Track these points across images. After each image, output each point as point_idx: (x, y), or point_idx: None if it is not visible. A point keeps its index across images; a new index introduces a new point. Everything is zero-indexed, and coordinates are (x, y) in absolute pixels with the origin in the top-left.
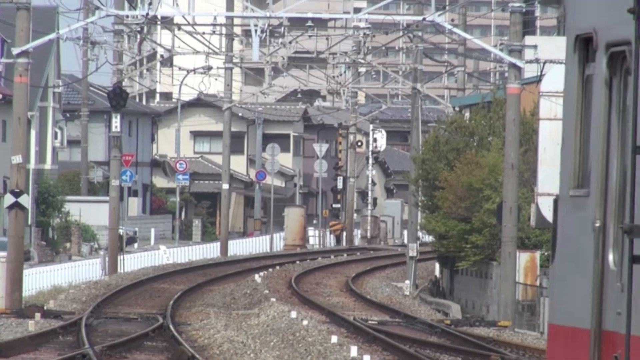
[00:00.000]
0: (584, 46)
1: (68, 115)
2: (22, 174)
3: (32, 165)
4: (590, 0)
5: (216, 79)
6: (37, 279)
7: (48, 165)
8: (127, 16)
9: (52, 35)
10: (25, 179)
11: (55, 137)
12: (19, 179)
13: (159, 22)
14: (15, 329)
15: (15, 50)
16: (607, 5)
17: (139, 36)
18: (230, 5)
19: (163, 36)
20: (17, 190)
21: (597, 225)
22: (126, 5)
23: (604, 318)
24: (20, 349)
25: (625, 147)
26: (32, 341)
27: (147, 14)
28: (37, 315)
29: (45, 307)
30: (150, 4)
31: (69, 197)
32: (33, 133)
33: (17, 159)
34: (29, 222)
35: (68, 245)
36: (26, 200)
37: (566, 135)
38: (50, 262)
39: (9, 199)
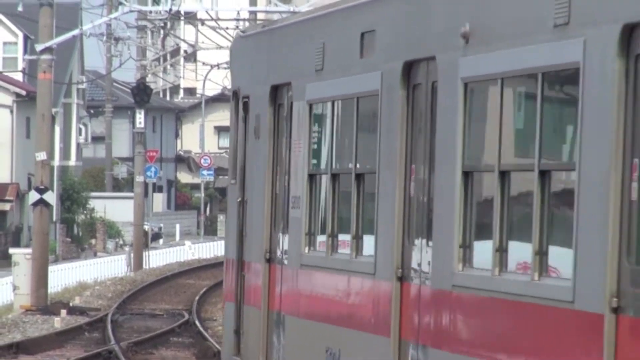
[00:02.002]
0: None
1: (92, 111)
2: (46, 171)
3: (56, 161)
4: (236, 72)
5: None
6: (63, 276)
7: (72, 161)
8: (151, 12)
9: (76, 32)
10: (49, 175)
11: (80, 134)
12: (44, 175)
13: (182, 18)
14: (41, 325)
15: (39, 47)
16: (243, 75)
17: (162, 32)
18: (253, 1)
19: (186, 31)
20: (42, 187)
21: (239, 200)
22: (149, 0)
23: (243, 252)
24: (47, 345)
25: (258, 161)
26: (58, 338)
27: (171, 9)
28: (63, 311)
29: (70, 304)
30: None
31: (93, 194)
32: (57, 129)
33: (42, 155)
34: (54, 219)
35: (93, 241)
36: (51, 197)
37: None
38: (75, 258)
39: (33, 196)
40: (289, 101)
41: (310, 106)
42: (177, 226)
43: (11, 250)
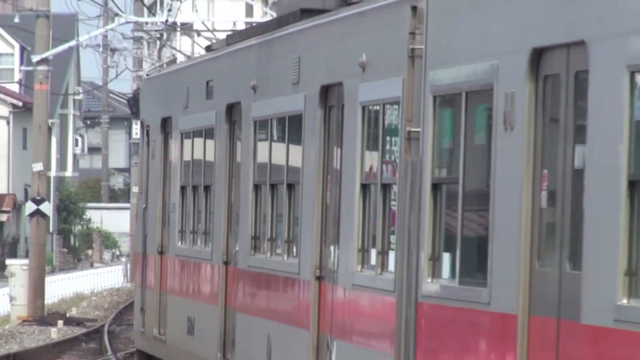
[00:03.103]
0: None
1: (88, 122)
2: (43, 182)
3: (53, 172)
4: (142, 107)
5: None
6: (59, 287)
7: (69, 172)
8: (147, 23)
9: (72, 43)
10: (46, 186)
11: (76, 144)
12: (40, 186)
13: (178, 29)
14: (38, 336)
15: (35, 58)
16: (147, 109)
17: (158, 42)
18: (249, 11)
19: (183, 42)
20: (39, 197)
21: (143, 207)
22: (145, 11)
23: (146, 247)
24: (43, 356)
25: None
26: (54, 348)
27: (167, 20)
28: (60, 322)
29: (67, 315)
30: (169, 10)
31: (90, 204)
32: (54, 140)
33: (38, 166)
34: (51, 230)
35: (90, 252)
36: (47, 208)
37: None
38: (72, 269)
39: (30, 207)
40: (171, 130)
41: (181, 134)
42: None
43: (8, 261)
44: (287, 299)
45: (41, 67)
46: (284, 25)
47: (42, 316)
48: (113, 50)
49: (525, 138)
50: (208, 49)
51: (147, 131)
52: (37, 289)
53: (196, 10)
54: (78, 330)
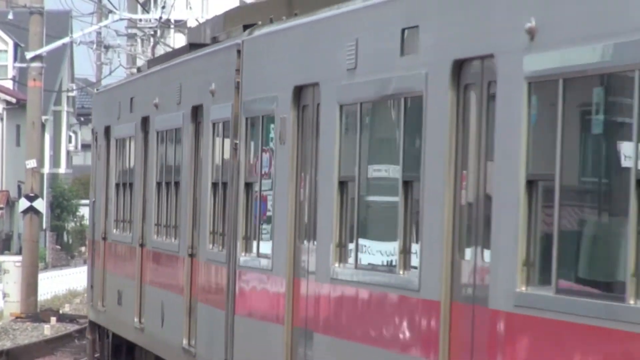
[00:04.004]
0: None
1: (82, 119)
2: (36, 178)
3: (46, 169)
4: (94, 116)
5: None
6: (53, 283)
7: (62, 169)
8: (141, 20)
9: (66, 39)
10: (39, 183)
11: (70, 141)
12: (34, 183)
13: (172, 26)
14: (31, 333)
15: (29, 55)
16: (97, 118)
17: (152, 39)
18: None
19: (176, 39)
20: (32, 194)
21: (93, 200)
22: (139, 8)
23: (94, 233)
24: (36, 353)
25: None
26: (47, 345)
27: (161, 17)
28: (53, 319)
29: (60, 311)
30: (163, 7)
31: (83, 201)
32: (47, 137)
33: (32, 163)
34: (44, 227)
35: (83, 249)
36: (41, 205)
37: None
38: (65, 266)
39: (23, 203)
40: (110, 137)
41: (116, 140)
42: None
43: (1, 258)
44: (172, 272)
45: (35, 64)
46: (177, 56)
47: (35, 313)
48: (107, 47)
49: (291, 151)
50: (138, 70)
51: (96, 137)
52: (30, 286)
53: (190, 7)
54: (71, 327)
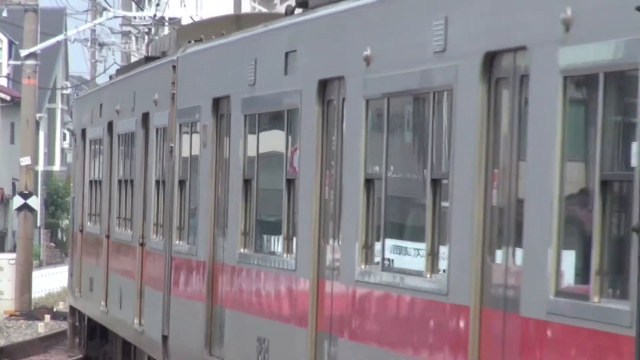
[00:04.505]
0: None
1: None
2: (30, 176)
3: (40, 166)
4: (73, 119)
5: None
6: (47, 281)
7: (57, 166)
8: (135, 17)
9: (60, 37)
10: (34, 180)
11: (64, 139)
12: (28, 180)
13: (166, 23)
14: (25, 330)
15: (23, 52)
16: (76, 121)
17: (146, 37)
18: (237, 5)
19: None
20: (26, 192)
21: (73, 196)
22: (134, 6)
23: (74, 225)
24: (30, 350)
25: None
26: (41, 343)
27: (155, 15)
28: (47, 317)
29: (54, 309)
30: (157, 5)
31: None
32: (41, 135)
33: (26, 160)
34: (38, 224)
35: None
36: (35, 202)
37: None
38: (59, 263)
39: (17, 201)
40: (86, 139)
41: (90, 141)
42: None
43: None
44: (128, 260)
45: (29, 62)
46: (136, 67)
47: (29, 310)
48: (101, 45)
49: (211, 153)
50: (110, 78)
51: (75, 138)
52: (24, 284)
53: (184, 5)
54: (65, 325)
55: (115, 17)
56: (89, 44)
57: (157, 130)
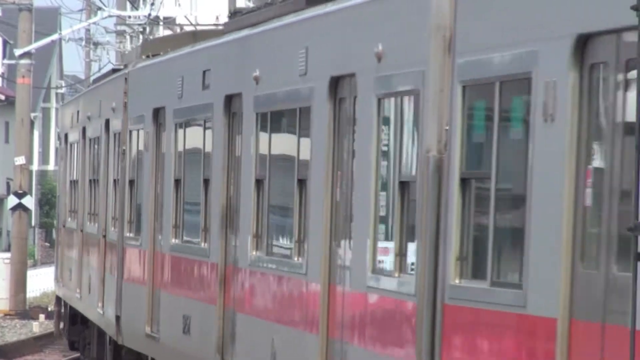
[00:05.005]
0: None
1: None
2: (25, 175)
3: (35, 166)
4: (59, 122)
5: None
6: (41, 280)
7: (51, 166)
8: (130, 17)
9: (55, 36)
10: (28, 180)
11: (58, 138)
12: (22, 180)
13: (161, 22)
14: (20, 330)
15: (18, 52)
16: (62, 125)
17: (141, 36)
18: (232, 5)
19: None
20: (21, 191)
21: (58, 195)
22: (128, 5)
23: (59, 221)
24: (25, 350)
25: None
26: (36, 342)
27: (150, 14)
28: (42, 316)
29: (49, 309)
30: (152, 4)
31: None
32: (36, 134)
33: (20, 160)
34: (33, 224)
35: None
36: (29, 202)
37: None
38: (54, 263)
39: (12, 200)
40: (68, 142)
41: (71, 145)
42: None
43: None
44: (94, 250)
45: (24, 61)
46: (105, 78)
47: (23, 310)
48: (96, 44)
49: (151, 157)
50: (93, 82)
51: (61, 142)
52: (18, 283)
53: (179, 4)
54: (60, 324)
55: (110, 16)
56: (83, 43)
57: (114, 134)
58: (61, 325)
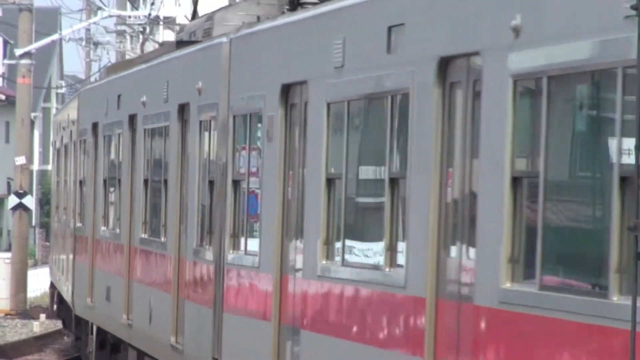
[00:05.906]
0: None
1: None
2: (25, 175)
3: (35, 166)
4: (53, 128)
5: None
6: (42, 280)
7: (51, 166)
8: (130, 16)
9: (55, 36)
10: (29, 180)
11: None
12: (23, 180)
13: (161, 22)
14: (20, 330)
15: (18, 52)
16: (56, 129)
17: (141, 36)
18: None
19: (165, 36)
20: (21, 191)
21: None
22: (128, 5)
23: (51, 222)
24: (25, 350)
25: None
26: (36, 342)
27: (150, 14)
28: (42, 316)
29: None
30: (152, 4)
31: None
32: (36, 134)
33: (21, 160)
34: (33, 223)
35: None
36: (30, 201)
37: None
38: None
39: (13, 200)
40: (62, 145)
41: (57, 149)
42: None
43: None
44: (67, 246)
45: (24, 61)
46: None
47: (24, 310)
48: (96, 44)
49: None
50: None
51: (54, 143)
52: (19, 283)
53: (179, 4)
54: (60, 324)
55: (110, 16)
56: (83, 43)
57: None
58: (54, 306)
